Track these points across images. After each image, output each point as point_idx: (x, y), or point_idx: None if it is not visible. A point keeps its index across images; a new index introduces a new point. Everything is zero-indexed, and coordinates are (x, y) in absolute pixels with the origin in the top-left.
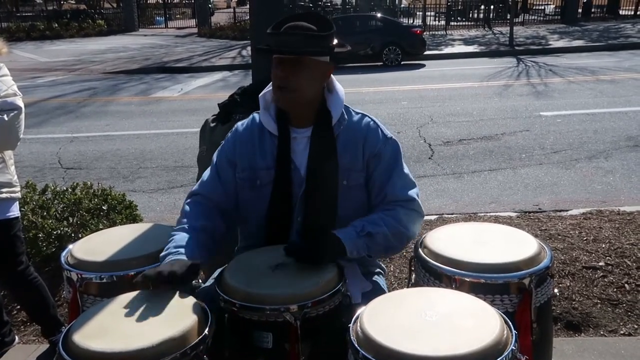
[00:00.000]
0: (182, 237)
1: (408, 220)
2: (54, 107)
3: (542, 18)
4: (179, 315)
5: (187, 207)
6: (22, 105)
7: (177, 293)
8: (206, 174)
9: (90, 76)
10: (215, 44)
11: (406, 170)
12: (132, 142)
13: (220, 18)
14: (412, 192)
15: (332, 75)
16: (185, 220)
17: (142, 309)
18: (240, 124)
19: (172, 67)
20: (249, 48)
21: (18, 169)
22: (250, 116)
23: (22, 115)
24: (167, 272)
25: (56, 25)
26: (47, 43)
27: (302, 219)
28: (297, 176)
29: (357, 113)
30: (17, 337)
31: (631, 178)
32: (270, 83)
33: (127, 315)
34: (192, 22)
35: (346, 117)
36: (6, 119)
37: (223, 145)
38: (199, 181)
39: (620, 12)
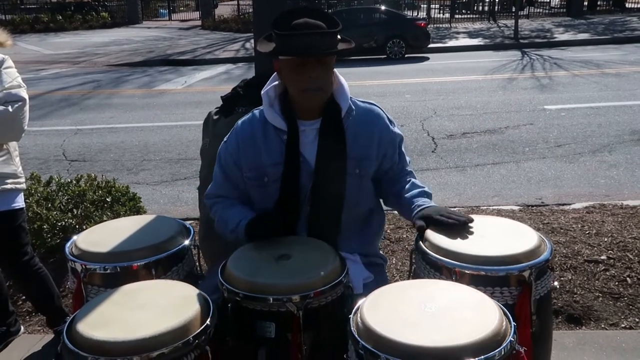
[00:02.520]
0: (235, 211)
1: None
2: (58, 100)
3: (547, 11)
4: (182, 306)
5: (211, 203)
6: (26, 97)
7: (180, 284)
8: (217, 174)
9: (93, 69)
10: (219, 37)
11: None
12: (136, 134)
13: (224, 10)
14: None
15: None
16: (221, 205)
17: (145, 299)
18: (241, 122)
19: (176, 60)
20: (252, 41)
21: (23, 161)
22: (250, 113)
23: (27, 107)
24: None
25: (60, 17)
26: (51, 35)
27: (310, 210)
28: (306, 169)
29: (362, 102)
30: (22, 327)
31: (635, 172)
32: (272, 78)
33: (130, 305)
34: (196, 14)
35: (353, 107)
36: (10, 110)
37: (226, 146)
38: (213, 182)
39: (627, 5)
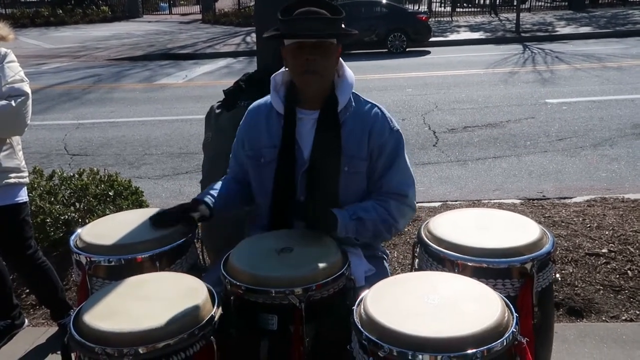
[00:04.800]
0: (216, 184)
1: (398, 214)
2: (59, 94)
3: (549, 4)
4: (187, 297)
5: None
6: (29, 91)
7: (185, 275)
8: (232, 156)
9: (94, 63)
10: (220, 31)
11: (407, 163)
12: (137, 128)
13: (224, 4)
14: (407, 188)
15: (341, 59)
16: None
17: (150, 291)
18: (254, 104)
19: (176, 54)
20: (253, 34)
21: (25, 155)
22: (264, 98)
23: (29, 102)
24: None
25: (60, 11)
26: (51, 29)
27: (304, 199)
28: (301, 156)
29: (367, 102)
30: (26, 320)
31: (636, 165)
32: (283, 68)
33: (136, 297)
34: (196, 8)
35: (354, 104)
36: (14, 104)
37: (240, 126)
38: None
39: None
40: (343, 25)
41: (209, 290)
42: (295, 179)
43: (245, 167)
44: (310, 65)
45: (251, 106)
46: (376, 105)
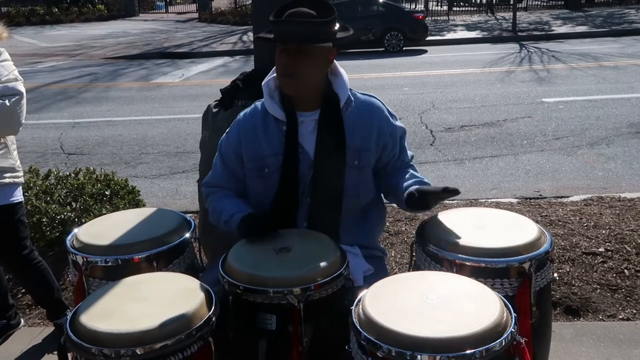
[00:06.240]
0: (230, 203)
1: None
2: (55, 93)
3: (545, 3)
4: (184, 298)
5: (208, 192)
6: (23, 90)
7: (182, 276)
8: (216, 164)
9: (90, 61)
10: (216, 29)
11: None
12: (134, 127)
13: (220, 3)
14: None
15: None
16: (216, 196)
17: (147, 291)
18: (243, 114)
19: (173, 53)
20: (249, 33)
21: (20, 155)
22: (252, 105)
23: (24, 101)
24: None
25: (56, 10)
26: (47, 28)
27: (310, 202)
28: (305, 159)
29: (362, 94)
30: (22, 320)
31: (632, 164)
32: (273, 70)
33: (133, 297)
34: (193, 7)
35: (352, 99)
36: (8, 104)
37: (227, 137)
38: (211, 171)
39: None
40: (337, 26)
41: (207, 291)
42: (299, 183)
43: (239, 179)
44: (288, 69)
45: (241, 117)
46: (372, 96)
